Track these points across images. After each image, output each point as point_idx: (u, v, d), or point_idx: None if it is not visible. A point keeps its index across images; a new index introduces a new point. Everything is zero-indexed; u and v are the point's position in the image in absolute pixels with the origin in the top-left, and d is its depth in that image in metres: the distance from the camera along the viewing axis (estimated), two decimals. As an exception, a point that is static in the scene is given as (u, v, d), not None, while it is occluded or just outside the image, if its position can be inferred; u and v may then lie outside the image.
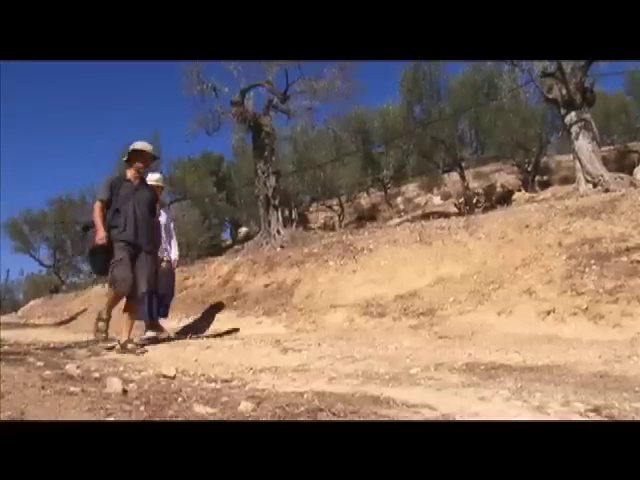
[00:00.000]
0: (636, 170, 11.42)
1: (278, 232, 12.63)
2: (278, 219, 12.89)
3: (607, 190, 8.78)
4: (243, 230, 22.31)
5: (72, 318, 14.44)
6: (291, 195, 17.77)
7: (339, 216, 19.75)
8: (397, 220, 15.57)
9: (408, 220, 14.03)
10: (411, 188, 22.34)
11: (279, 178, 13.50)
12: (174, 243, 7.31)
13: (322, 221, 21.02)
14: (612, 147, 17.59)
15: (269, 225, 12.92)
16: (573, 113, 9.97)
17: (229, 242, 22.60)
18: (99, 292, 16.01)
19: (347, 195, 20.15)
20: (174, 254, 7.22)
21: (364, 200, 21.62)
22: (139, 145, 5.85)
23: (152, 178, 6.75)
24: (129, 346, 5.39)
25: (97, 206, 5.48)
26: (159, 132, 25.87)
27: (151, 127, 54.54)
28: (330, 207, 20.93)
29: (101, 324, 5.53)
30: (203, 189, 21.60)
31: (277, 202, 12.97)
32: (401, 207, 20.11)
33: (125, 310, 5.59)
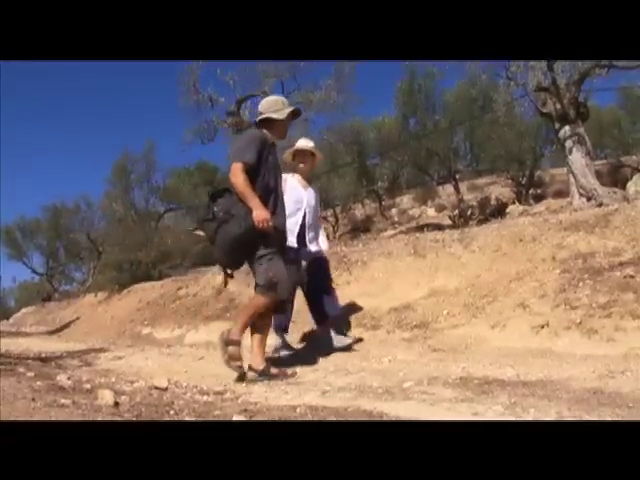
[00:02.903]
0: (629, 184, 11.48)
1: (272, 243, 12.63)
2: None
3: (600, 204, 8.82)
4: (237, 240, 22.21)
5: (64, 327, 14.38)
6: (285, 206, 17.74)
7: (333, 227, 19.75)
8: (391, 232, 15.58)
9: (402, 232, 14.05)
10: (405, 200, 22.39)
11: (274, 189, 13.49)
12: (322, 232, 5.86)
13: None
14: (605, 161, 17.68)
15: (263, 236, 12.92)
16: (567, 127, 10.03)
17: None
18: (91, 301, 15.96)
19: (342, 206, 20.17)
20: (325, 243, 5.69)
21: (359, 211, 21.64)
22: (277, 104, 4.39)
23: (305, 143, 5.40)
24: (273, 370, 4.08)
25: (240, 169, 3.90)
26: (154, 141, 25.93)
27: (146, 136, 54.68)
28: (324, 218, 20.92)
29: (233, 349, 4.02)
30: (198, 199, 21.58)
31: (271, 213, 12.97)
32: (395, 219, 20.12)
33: (261, 324, 4.19)
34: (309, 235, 5.27)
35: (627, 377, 3.24)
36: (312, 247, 5.30)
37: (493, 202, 16.53)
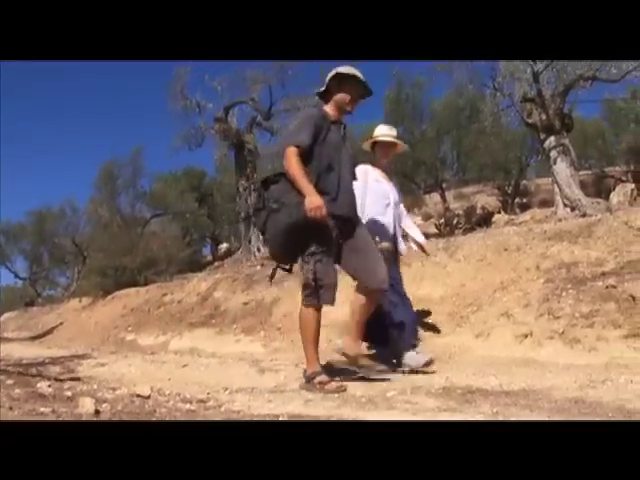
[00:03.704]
0: (612, 195, 11.60)
1: (258, 249, 12.64)
2: (259, 236, 12.89)
3: (584, 214, 8.91)
4: (224, 246, 22.24)
5: (47, 332, 14.25)
6: (272, 213, 17.73)
7: (320, 234, 19.74)
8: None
9: (388, 240, 14.05)
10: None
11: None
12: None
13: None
14: (589, 172, 17.86)
15: (249, 242, 12.94)
16: (552, 138, 10.14)
17: (209, 258, 22.50)
18: (75, 306, 15.84)
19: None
20: (421, 237, 5.01)
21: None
22: (348, 70, 3.82)
23: (386, 132, 4.71)
24: (364, 361, 3.91)
25: (293, 153, 3.51)
26: (141, 146, 25.83)
27: (133, 140, 54.44)
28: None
29: (320, 378, 3.65)
30: (185, 204, 21.54)
31: (258, 219, 12.97)
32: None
33: (360, 306, 3.86)
34: (399, 236, 4.71)
35: (608, 387, 3.26)
36: (402, 249, 4.75)
37: (479, 211, 16.62)
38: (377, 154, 4.68)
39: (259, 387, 3.90)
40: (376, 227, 4.36)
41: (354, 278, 3.88)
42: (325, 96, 3.87)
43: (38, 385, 3.48)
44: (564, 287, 5.16)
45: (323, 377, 3.63)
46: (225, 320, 8.01)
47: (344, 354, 3.98)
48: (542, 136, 10.38)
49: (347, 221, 3.69)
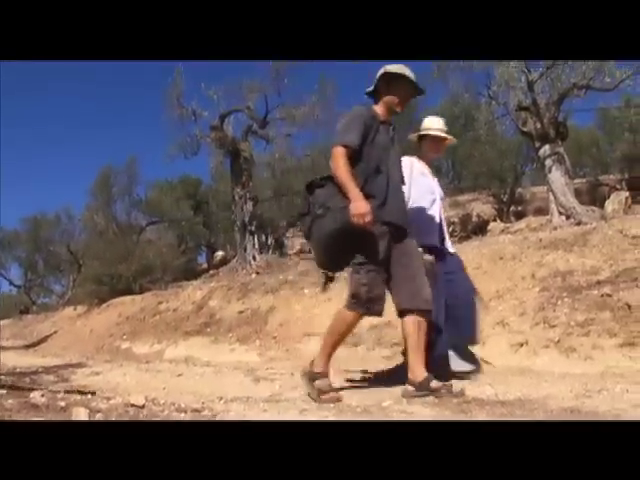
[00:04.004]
0: (607, 203, 11.63)
1: (254, 258, 12.62)
2: (254, 245, 12.90)
3: (579, 223, 8.93)
4: (219, 254, 22.21)
5: (41, 340, 14.19)
6: (268, 221, 17.75)
7: (316, 242, 19.72)
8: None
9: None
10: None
11: (256, 204, 13.53)
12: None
13: (298, 247, 20.98)
14: (584, 180, 17.92)
15: (245, 250, 12.91)
16: (547, 146, 10.18)
17: (205, 266, 22.46)
18: (70, 314, 15.78)
19: (324, 221, 20.15)
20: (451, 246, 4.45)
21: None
22: (397, 69, 3.61)
23: (437, 125, 4.40)
24: (434, 384, 3.42)
25: (340, 153, 3.34)
26: (137, 154, 25.86)
27: (129, 148, 54.43)
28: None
29: (320, 383, 3.50)
30: (180, 212, 21.51)
31: (253, 228, 12.99)
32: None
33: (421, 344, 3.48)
34: (445, 234, 4.34)
35: (604, 396, 3.26)
36: (450, 249, 4.35)
37: (474, 219, 16.66)
38: (424, 147, 4.35)
39: (254, 396, 3.88)
40: (421, 223, 3.99)
41: (394, 296, 3.54)
42: (374, 95, 3.67)
43: (31, 395, 3.46)
44: (559, 296, 5.16)
45: (324, 383, 3.47)
46: (220, 329, 7.99)
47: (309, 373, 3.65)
48: (537, 144, 10.42)
49: (396, 229, 3.44)
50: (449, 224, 14.73)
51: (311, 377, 3.51)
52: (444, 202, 4.46)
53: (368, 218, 3.17)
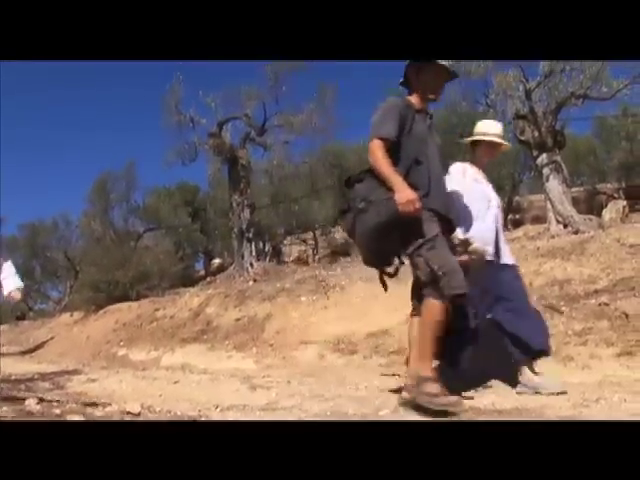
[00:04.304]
0: (604, 212, 11.66)
1: (251, 265, 12.61)
2: (251, 252, 12.89)
3: (577, 231, 8.94)
4: (216, 261, 22.19)
5: (38, 347, 14.13)
6: (265, 228, 17.77)
7: (313, 250, 19.75)
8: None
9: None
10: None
11: (254, 211, 13.53)
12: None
13: (296, 255, 20.99)
14: (581, 188, 17.96)
15: (242, 258, 12.90)
16: (544, 155, 10.21)
17: (202, 273, 22.44)
18: (67, 320, 15.73)
19: (322, 229, 20.19)
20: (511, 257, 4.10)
21: (338, 235, 21.67)
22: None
23: (492, 129, 4.07)
24: (440, 398, 3.06)
25: (378, 146, 3.20)
26: (135, 160, 25.86)
27: (127, 154, 54.43)
28: (304, 241, 20.94)
29: (430, 386, 3.10)
30: (178, 219, 21.50)
31: (251, 235, 12.99)
32: (375, 242, 20.16)
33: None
34: (502, 243, 4.00)
35: (601, 405, 3.25)
36: (507, 259, 4.00)
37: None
38: (478, 152, 4.07)
39: (250, 404, 3.86)
40: (476, 232, 3.73)
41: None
42: (407, 85, 3.53)
43: (26, 402, 3.44)
44: (557, 304, 5.16)
45: (436, 387, 3.10)
46: (217, 336, 7.97)
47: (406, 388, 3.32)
48: (535, 153, 10.45)
49: (441, 219, 3.27)
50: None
51: (418, 382, 3.13)
52: (500, 211, 4.15)
53: (417, 205, 3.02)
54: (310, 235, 20.33)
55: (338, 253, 18.88)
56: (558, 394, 3.62)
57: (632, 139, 16.52)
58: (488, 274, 3.78)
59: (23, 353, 13.55)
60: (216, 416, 3.51)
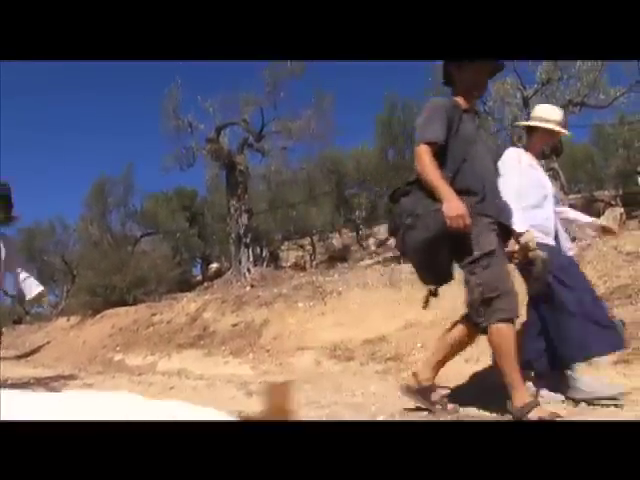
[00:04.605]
0: (601, 219, 11.67)
1: (248, 270, 12.61)
2: (249, 257, 12.89)
3: (574, 239, 8.94)
4: (214, 266, 22.18)
5: (34, 351, 14.09)
6: (263, 233, 17.77)
7: (310, 255, 19.75)
8: (369, 261, 15.62)
9: (379, 262, 14.09)
10: (383, 230, 22.50)
11: (251, 216, 13.55)
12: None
13: (293, 260, 20.99)
14: (579, 195, 18.01)
15: (240, 263, 12.90)
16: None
17: (199, 278, 22.42)
18: (63, 325, 15.69)
19: (319, 235, 20.21)
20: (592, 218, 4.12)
21: (336, 240, 21.70)
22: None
23: (553, 115, 3.81)
24: (434, 397, 3.24)
25: (425, 151, 2.99)
26: (133, 164, 25.89)
27: (124, 158, 54.47)
28: (302, 246, 20.95)
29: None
30: (175, 224, 21.51)
31: (248, 240, 12.99)
32: (372, 248, 20.19)
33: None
34: (560, 233, 3.75)
35: (597, 413, 3.25)
36: (566, 249, 3.75)
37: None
38: (535, 138, 3.83)
39: (247, 410, 3.85)
40: (536, 222, 3.50)
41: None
42: (449, 84, 3.36)
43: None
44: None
45: (540, 409, 2.89)
46: (214, 341, 7.95)
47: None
48: (532, 160, 10.48)
49: (498, 226, 3.06)
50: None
51: (523, 414, 2.86)
52: (557, 198, 3.94)
53: (466, 220, 2.80)
54: (307, 241, 20.34)
55: (335, 259, 18.91)
56: (616, 401, 3.39)
57: (629, 146, 16.59)
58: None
59: (19, 357, 13.51)
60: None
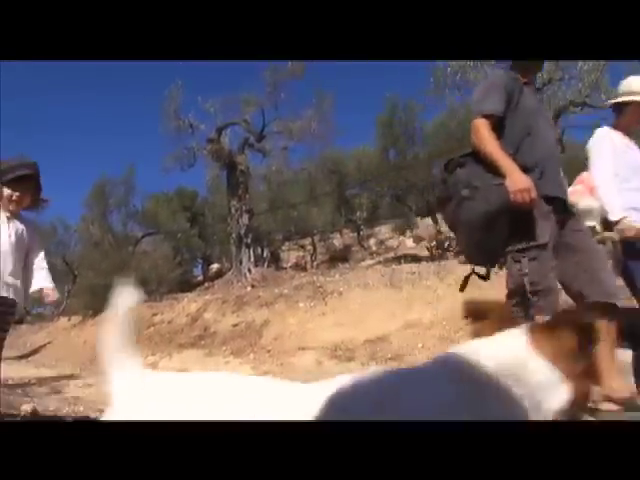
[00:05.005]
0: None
1: (249, 271, 12.60)
2: (250, 257, 12.88)
3: None
4: (214, 267, 22.17)
5: (35, 351, 14.11)
6: (264, 234, 17.76)
7: (311, 256, 19.74)
8: (369, 262, 15.62)
9: (380, 262, 14.09)
10: (384, 230, 22.49)
11: (252, 216, 13.54)
12: None
13: (294, 260, 20.99)
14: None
15: (240, 263, 12.90)
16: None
17: (200, 278, 22.42)
18: (64, 325, 15.70)
19: (320, 235, 20.20)
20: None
21: (337, 240, 21.69)
22: None
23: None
24: None
25: (483, 125, 2.83)
26: (134, 165, 25.88)
27: (125, 159, 54.49)
28: (303, 247, 20.93)
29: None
30: (176, 224, 21.50)
31: (249, 240, 12.99)
32: (373, 249, 20.18)
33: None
34: None
35: (600, 414, 3.23)
36: None
37: (471, 234, 16.66)
38: (626, 116, 3.48)
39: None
40: (633, 209, 3.25)
41: (567, 289, 2.99)
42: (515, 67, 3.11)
43: (22, 407, 3.43)
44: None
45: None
46: (215, 342, 7.95)
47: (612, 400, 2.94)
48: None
49: (558, 207, 2.85)
50: (445, 239, 14.77)
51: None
52: None
53: (532, 193, 2.61)
54: (308, 241, 20.33)
55: (336, 259, 18.90)
56: None
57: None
58: None
59: (20, 357, 13.52)
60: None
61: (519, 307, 2.73)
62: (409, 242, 20.15)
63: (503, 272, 3.01)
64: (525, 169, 2.71)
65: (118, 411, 1.00)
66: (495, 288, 5.29)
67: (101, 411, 3.64)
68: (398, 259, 13.78)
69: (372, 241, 21.26)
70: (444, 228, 18.06)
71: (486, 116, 2.84)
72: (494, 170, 2.72)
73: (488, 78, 3.12)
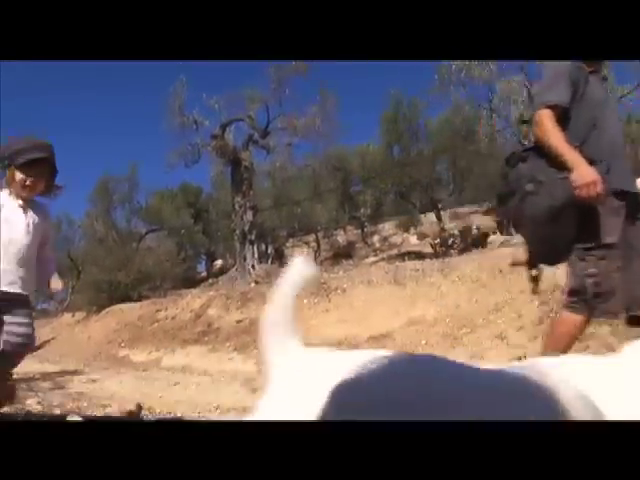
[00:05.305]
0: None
1: (253, 267, 12.61)
2: (254, 254, 12.89)
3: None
4: (218, 263, 22.21)
5: (39, 347, 14.12)
6: (268, 230, 17.77)
7: (315, 252, 19.74)
8: (373, 258, 15.60)
9: (384, 259, 14.08)
10: (388, 227, 22.48)
11: (256, 213, 13.54)
12: None
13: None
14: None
15: (244, 260, 12.90)
16: None
17: (204, 274, 22.45)
18: (68, 320, 15.75)
19: (324, 232, 20.20)
20: None
21: (341, 237, 21.69)
22: None
23: None
24: None
25: (547, 116, 2.70)
26: (138, 161, 25.91)
27: (129, 155, 54.52)
28: (306, 243, 20.94)
29: None
30: (180, 220, 21.52)
31: (253, 237, 12.99)
32: (377, 245, 20.18)
33: None
34: None
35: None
36: None
37: (474, 231, 16.66)
38: None
39: (251, 407, 3.86)
40: None
41: (625, 289, 2.79)
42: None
43: (27, 402, 3.44)
44: (558, 309, 5.14)
45: None
46: (218, 338, 7.96)
47: None
48: (538, 158, 10.44)
49: (630, 202, 2.70)
50: (449, 236, 14.75)
51: None
52: None
53: (599, 187, 2.47)
54: (312, 237, 20.33)
55: (340, 256, 18.90)
56: None
57: (637, 144, 16.53)
58: None
59: (24, 353, 13.56)
60: (215, 418, 3.51)
61: (578, 307, 2.65)
62: (413, 239, 20.13)
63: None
64: (591, 162, 2.57)
65: (277, 395, 0.92)
66: (498, 288, 5.27)
67: (104, 407, 3.66)
68: (402, 256, 13.78)
69: (376, 238, 21.25)
70: (448, 225, 18.06)
71: (550, 107, 2.70)
72: (559, 163, 2.60)
73: (551, 67, 2.90)
